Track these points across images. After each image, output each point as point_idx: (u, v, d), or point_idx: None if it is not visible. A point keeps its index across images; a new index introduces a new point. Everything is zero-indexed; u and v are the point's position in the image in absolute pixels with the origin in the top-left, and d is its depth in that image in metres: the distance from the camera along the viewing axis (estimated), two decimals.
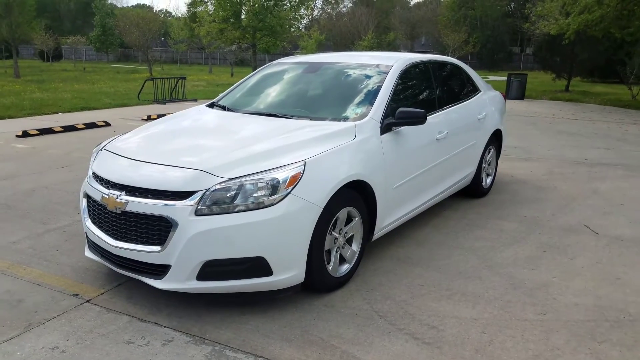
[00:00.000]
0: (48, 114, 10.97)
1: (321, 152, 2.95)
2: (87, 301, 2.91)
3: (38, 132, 8.18)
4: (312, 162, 2.85)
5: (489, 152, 5.28)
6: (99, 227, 2.95)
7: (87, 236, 3.11)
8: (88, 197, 3.05)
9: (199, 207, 2.60)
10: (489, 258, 3.68)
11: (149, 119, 10.03)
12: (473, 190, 5.10)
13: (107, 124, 9.43)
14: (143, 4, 68.07)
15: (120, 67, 38.92)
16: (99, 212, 2.93)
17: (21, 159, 6.48)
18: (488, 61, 43.58)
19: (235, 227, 2.59)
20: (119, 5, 67.25)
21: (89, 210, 3.07)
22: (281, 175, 2.70)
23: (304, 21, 43.30)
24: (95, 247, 3.02)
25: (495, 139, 5.38)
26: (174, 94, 14.74)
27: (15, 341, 2.51)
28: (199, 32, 29.08)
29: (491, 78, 27.23)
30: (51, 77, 23.79)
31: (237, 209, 2.62)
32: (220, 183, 2.64)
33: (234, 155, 2.87)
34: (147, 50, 31.45)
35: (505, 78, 19.23)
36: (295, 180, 2.72)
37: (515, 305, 3.00)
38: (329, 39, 48.40)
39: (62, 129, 8.57)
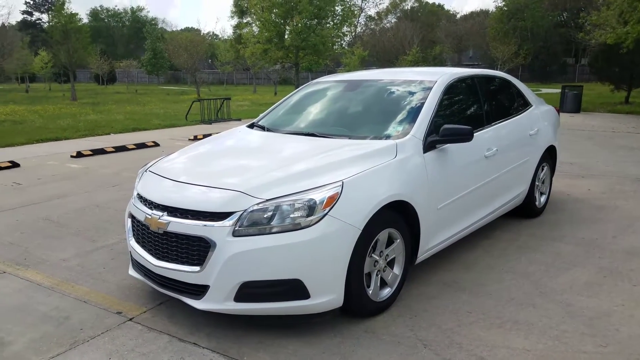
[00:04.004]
0: (101, 134, 11.54)
1: (360, 171, 2.87)
2: (130, 319, 2.94)
3: (91, 153, 8.59)
4: (350, 182, 2.78)
5: (543, 169, 5.03)
6: (143, 247, 2.99)
7: (131, 255, 3.17)
8: (132, 217, 3.12)
9: (236, 228, 2.58)
10: (544, 284, 3.45)
11: (195, 139, 10.31)
12: (526, 210, 4.85)
13: (156, 144, 9.77)
14: (192, 27, 71.15)
15: (170, 89, 40.58)
16: (143, 232, 2.98)
17: (74, 178, 6.79)
18: (540, 73, 42.14)
19: (272, 249, 2.56)
20: (169, 29, 70.65)
21: (133, 230, 3.13)
22: (318, 196, 2.65)
23: (347, 38, 43.60)
24: (139, 266, 3.07)
25: (549, 156, 5.12)
26: (219, 114, 15.15)
27: (60, 358, 2.56)
28: (243, 53, 29.92)
29: (544, 91, 26.27)
30: (105, 100, 25.14)
31: (274, 230, 2.58)
32: (257, 204, 2.62)
33: (271, 175, 2.85)
34: (195, 72, 32.63)
35: (559, 90, 18.46)
36: (332, 200, 2.65)
37: (572, 335, 2.78)
38: (372, 55, 48.41)
39: (113, 149, 8.96)
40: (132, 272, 3.18)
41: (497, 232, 4.48)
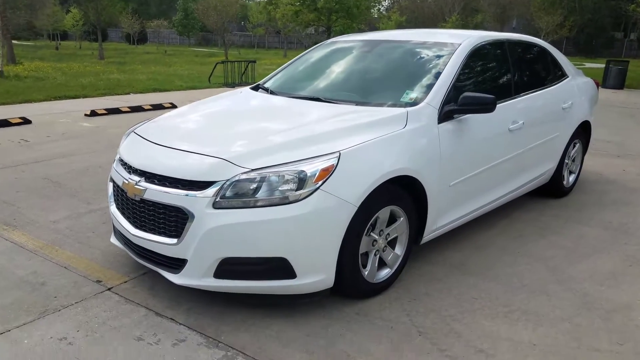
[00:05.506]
0: (121, 94, 11.43)
1: (361, 142, 2.60)
2: (109, 289, 2.80)
3: (106, 112, 8.47)
4: (349, 153, 2.50)
5: (574, 146, 4.64)
6: (122, 214, 2.82)
7: (112, 222, 3.01)
8: (113, 181, 2.94)
9: (217, 200, 2.36)
10: (561, 270, 3.17)
11: None
12: (552, 189, 4.51)
13: (173, 106, 9.59)
14: None
15: (200, 51, 40.27)
16: (122, 198, 2.80)
17: (83, 137, 6.70)
18: (586, 47, 39.88)
19: (255, 224, 2.33)
20: None
21: (114, 196, 2.95)
22: (309, 168, 2.39)
23: (385, 3, 42.07)
24: (120, 234, 2.91)
25: (583, 132, 4.71)
26: (243, 78, 14.85)
27: (26, 328, 2.43)
28: (274, 14, 29.26)
29: (587, 65, 24.84)
30: (133, 60, 25.06)
31: (259, 203, 2.35)
32: (241, 174, 2.38)
33: (261, 143, 2.60)
34: (224, 34, 32.17)
35: (603, 66, 17.31)
36: (326, 173, 2.39)
37: (586, 330, 2.53)
38: (410, 21, 46.66)
39: (129, 109, 8.83)
40: (113, 239, 3.02)
41: (517, 212, 4.17)
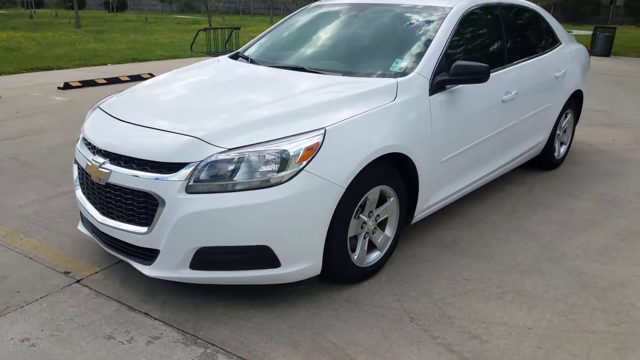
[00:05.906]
0: (97, 65, 10.94)
1: (349, 117, 2.39)
2: (78, 281, 2.59)
3: (80, 84, 8.06)
4: (335, 129, 2.30)
5: (566, 116, 4.50)
6: (88, 199, 2.58)
7: (79, 208, 2.77)
8: (78, 163, 2.69)
9: (190, 183, 2.14)
10: (554, 246, 3.08)
11: None
12: (543, 162, 4.39)
13: (152, 77, 9.21)
14: None
15: (182, 18, 38.89)
16: (87, 182, 2.56)
17: (55, 113, 6.35)
18: (573, 13, 39.55)
19: (234, 210, 2.13)
20: None
21: (79, 179, 2.71)
22: (292, 147, 2.18)
23: None
24: (87, 222, 2.68)
25: (575, 101, 4.54)
26: (227, 46, 14.32)
27: None
28: None
29: (575, 32, 24.53)
30: (111, 28, 23.97)
31: (237, 187, 2.14)
32: (217, 154, 2.16)
33: (239, 119, 2.36)
34: (207, 0, 31.01)
35: (590, 32, 17.12)
36: (311, 152, 2.19)
37: (582, 311, 2.44)
38: None
39: (105, 82, 8.41)
40: (80, 227, 2.80)
41: (508, 185, 4.07)
